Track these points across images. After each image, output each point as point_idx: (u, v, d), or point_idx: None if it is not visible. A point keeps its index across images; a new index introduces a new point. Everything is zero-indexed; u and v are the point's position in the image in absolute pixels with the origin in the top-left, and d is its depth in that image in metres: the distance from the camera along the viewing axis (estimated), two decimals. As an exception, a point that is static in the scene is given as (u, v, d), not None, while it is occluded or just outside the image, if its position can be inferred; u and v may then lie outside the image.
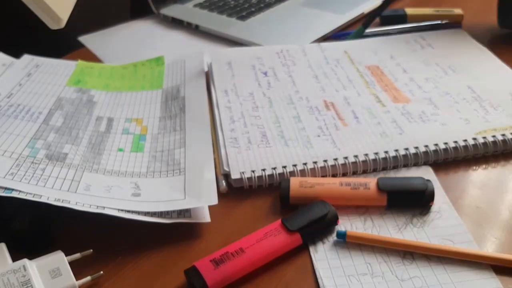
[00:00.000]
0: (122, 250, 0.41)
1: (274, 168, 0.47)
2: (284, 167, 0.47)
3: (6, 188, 0.40)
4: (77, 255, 0.39)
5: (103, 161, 0.47)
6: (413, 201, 0.43)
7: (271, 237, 0.40)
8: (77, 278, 0.37)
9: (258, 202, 0.45)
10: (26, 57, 0.62)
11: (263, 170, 0.47)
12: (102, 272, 0.38)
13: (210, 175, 0.46)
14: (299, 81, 0.60)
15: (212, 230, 0.42)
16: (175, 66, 0.63)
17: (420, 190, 0.43)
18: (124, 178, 0.45)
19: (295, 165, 0.47)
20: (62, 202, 0.40)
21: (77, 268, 0.38)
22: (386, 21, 0.75)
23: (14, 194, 0.39)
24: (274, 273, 0.39)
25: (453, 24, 0.72)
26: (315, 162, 0.47)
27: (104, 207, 0.41)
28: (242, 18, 0.77)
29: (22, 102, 0.53)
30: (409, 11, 0.75)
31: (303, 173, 0.46)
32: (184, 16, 0.78)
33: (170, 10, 0.80)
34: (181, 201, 0.43)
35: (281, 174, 0.46)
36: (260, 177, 0.46)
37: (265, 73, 0.61)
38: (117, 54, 0.70)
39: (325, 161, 0.47)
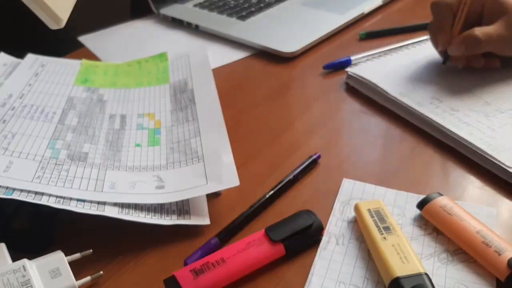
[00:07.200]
0: (122, 250, 0.41)
1: None
2: None
3: (10, 189, 0.40)
4: (77, 255, 0.39)
5: (123, 158, 0.48)
6: None
7: (253, 247, 0.38)
8: (77, 278, 0.37)
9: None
10: (30, 57, 0.62)
11: None
12: (102, 272, 0.38)
13: (228, 158, 0.46)
14: None
15: (212, 231, 0.42)
16: (179, 61, 0.63)
17: None
18: (146, 172, 0.46)
19: None
20: (63, 204, 0.40)
21: (77, 268, 0.38)
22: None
23: (15, 196, 0.39)
24: (274, 273, 0.39)
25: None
26: None
27: (104, 208, 0.41)
28: (242, 18, 0.77)
29: (34, 103, 0.53)
30: None
31: None
32: (184, 16, 0.78)
33: (170, 10, 0.80)
34: (204, 186, 0.43)
35: None
36: None
37: None
38: (117, 54, 0.70)
39: None
